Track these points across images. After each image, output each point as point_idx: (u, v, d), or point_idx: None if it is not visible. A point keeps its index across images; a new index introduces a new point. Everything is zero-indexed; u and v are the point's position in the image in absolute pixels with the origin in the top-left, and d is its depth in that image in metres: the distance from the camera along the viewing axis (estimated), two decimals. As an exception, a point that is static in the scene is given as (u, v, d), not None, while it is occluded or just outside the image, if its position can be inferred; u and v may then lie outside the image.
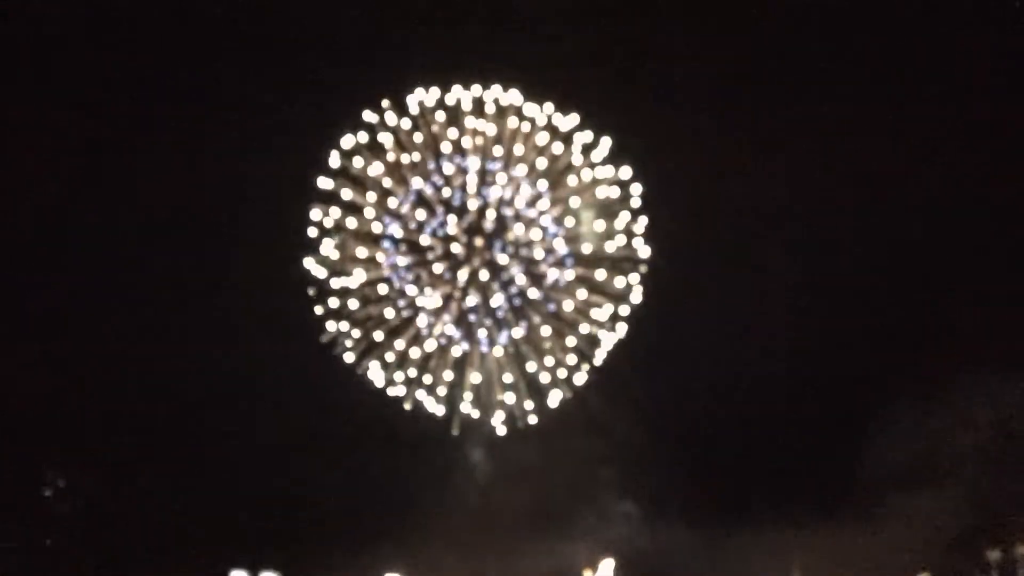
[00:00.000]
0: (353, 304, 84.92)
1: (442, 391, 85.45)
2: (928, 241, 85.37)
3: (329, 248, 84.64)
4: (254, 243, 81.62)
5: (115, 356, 79.43)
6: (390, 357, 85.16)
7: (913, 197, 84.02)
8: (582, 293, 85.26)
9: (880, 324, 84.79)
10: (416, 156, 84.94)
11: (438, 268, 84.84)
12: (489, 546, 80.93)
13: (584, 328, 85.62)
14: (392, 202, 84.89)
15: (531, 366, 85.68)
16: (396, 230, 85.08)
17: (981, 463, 79.62)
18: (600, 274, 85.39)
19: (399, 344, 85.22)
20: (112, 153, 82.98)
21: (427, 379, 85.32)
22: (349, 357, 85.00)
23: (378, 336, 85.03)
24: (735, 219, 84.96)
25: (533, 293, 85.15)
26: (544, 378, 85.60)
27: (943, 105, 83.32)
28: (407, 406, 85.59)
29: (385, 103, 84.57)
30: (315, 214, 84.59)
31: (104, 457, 79.70)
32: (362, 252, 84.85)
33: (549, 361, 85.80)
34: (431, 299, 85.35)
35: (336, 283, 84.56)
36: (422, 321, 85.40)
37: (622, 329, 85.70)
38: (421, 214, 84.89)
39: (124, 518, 79.30)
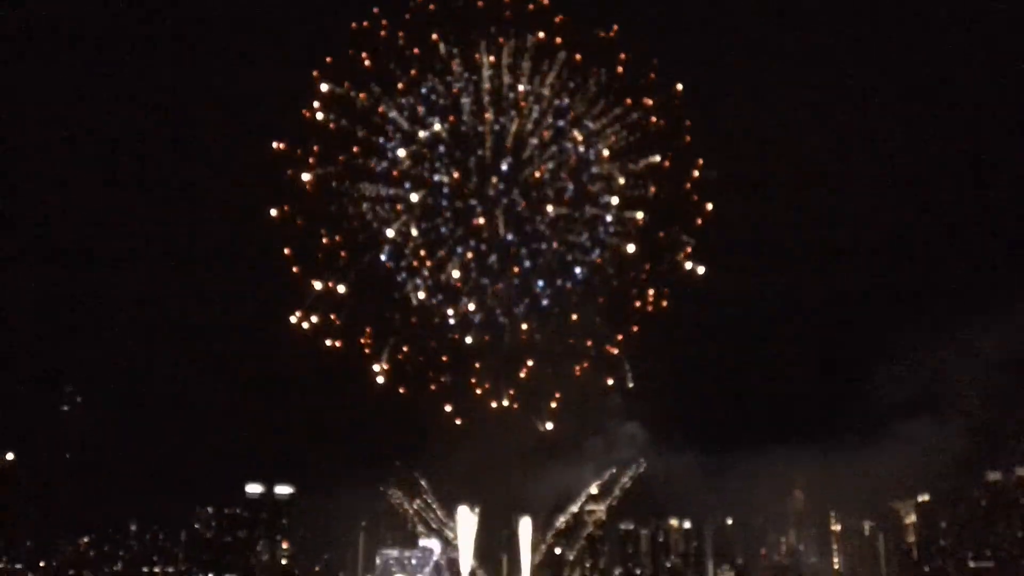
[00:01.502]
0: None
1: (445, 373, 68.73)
2: (941, 184, 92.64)
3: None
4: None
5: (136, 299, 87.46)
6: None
7: (949, 142, 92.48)
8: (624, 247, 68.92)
9: (891, 255, 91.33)
10: (414, 74, 67.52)
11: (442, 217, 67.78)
12: (493, 470, 76.38)
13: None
14: (385, 134, 67.59)
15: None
16: (388, 167, 67.63)
17: (982, 389, 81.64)
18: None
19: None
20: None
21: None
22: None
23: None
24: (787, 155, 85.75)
25: (560, 248, 68.61)
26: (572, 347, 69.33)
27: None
28: (401, 390, 68.38)
29: (375, 10, 67.48)
30: (279, 148, 66.82)
31: (127, 378, 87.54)
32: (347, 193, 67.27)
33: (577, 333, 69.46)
34: (431, 256, 68.02)
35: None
36: (418, 286, 68.23)
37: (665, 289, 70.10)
38: (417, 145, 67.60)
39: (148, 438, 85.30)
